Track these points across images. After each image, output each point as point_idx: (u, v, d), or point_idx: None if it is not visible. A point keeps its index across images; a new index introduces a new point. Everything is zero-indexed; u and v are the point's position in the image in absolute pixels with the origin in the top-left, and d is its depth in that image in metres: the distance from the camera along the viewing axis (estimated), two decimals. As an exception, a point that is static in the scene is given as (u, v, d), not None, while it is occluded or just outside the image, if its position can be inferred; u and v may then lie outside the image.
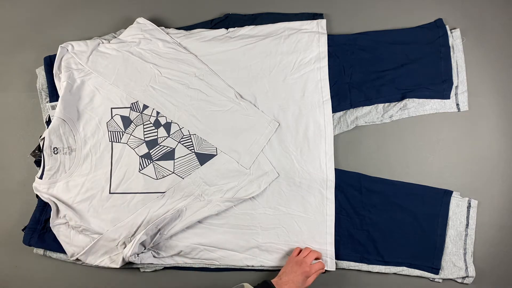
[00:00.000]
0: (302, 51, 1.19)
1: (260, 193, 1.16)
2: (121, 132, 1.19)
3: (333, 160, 1.16)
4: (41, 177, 1.17)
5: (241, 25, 1.24)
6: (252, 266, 1.18)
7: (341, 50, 1.21)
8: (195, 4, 1.26)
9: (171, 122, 1.19)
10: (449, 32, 1.21)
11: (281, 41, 1.20)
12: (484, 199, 1.21)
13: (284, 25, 1.22)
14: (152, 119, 1.19)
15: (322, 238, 1.16)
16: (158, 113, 1.19)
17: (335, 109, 1.20)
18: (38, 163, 1.18)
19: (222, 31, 1.22)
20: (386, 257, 1.17)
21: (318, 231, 1.16)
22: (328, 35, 1.22)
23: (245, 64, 1.20)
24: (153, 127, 1.19)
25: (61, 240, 1.16)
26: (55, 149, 1.16)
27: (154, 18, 1.25)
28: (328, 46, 1.20)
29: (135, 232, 1.16)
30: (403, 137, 1.23)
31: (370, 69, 1.21)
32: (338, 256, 1.18)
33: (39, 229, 1.19)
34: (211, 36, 1.22)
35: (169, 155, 1.19)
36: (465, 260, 1.18)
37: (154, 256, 1.18)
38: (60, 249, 1.17)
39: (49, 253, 1.19)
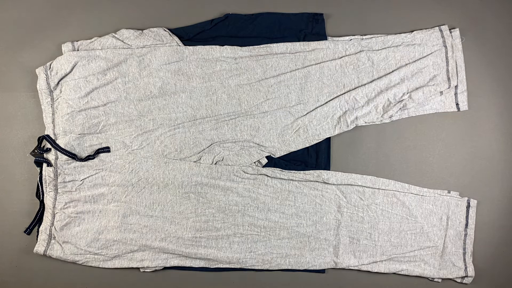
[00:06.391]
0: None
1: None
2: None
3: None
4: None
5: (241, 25, 1.24)
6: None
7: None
8: (195, 4, 1.26)
9: None
10: (448, 32, 1.21)
11: None
12: (483, 199, 1.21)
13: None
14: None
15: None
16: None
17: (335, 107, 1.20)
18: (38, 163, 1.18)
19: None
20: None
21: None
22: (328, 36, 1.22)
23: None
24: None
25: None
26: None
27: (154, 18, 1.25)
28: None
29: None
30: (403, 137, 1.24)
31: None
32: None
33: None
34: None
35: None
36: (464, 260, 1.18)
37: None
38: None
39: (49, 253, 1.19)
